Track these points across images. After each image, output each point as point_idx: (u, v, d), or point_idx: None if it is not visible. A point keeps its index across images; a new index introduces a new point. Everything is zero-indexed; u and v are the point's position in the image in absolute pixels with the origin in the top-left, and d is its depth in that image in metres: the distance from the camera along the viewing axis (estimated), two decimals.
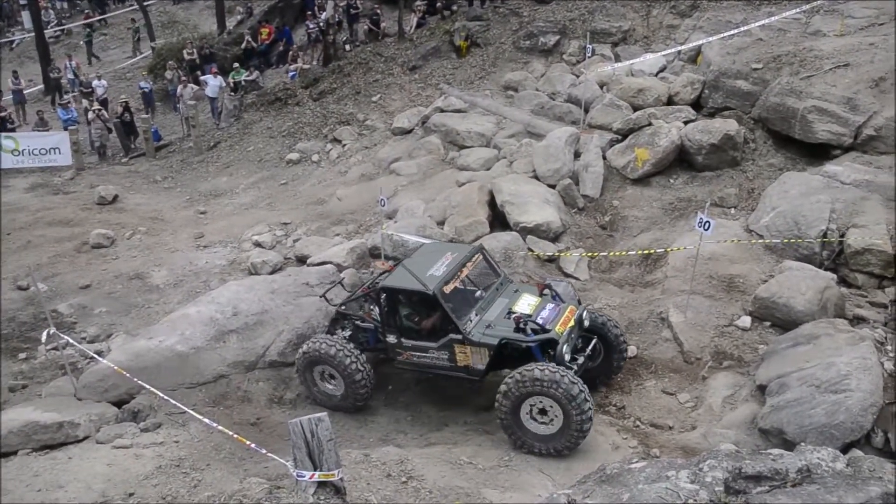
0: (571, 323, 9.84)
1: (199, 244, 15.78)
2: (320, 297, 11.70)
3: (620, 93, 16.89)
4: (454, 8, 23.24)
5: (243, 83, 23.50)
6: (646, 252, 13.04)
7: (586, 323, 10.18)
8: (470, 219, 13.88)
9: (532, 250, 13.20)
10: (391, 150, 18.59)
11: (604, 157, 15.46)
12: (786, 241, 12.29)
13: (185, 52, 25.58)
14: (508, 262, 13.01)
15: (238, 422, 10.12)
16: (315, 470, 5.94)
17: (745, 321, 11.09)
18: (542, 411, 9.10)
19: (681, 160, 15.28)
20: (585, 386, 9.07)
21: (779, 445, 8.34)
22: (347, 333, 10.85)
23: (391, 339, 10.31)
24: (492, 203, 14.40)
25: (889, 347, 10.18)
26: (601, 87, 17.62)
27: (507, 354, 9.72)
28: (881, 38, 15.81)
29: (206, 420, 8.44)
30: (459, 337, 9.71)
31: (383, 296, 10.22)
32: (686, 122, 15.63)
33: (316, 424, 5.98)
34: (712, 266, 12.17)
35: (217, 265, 14.61)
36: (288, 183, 18.88)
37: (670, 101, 16.62)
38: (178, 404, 9.11)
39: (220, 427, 8.16)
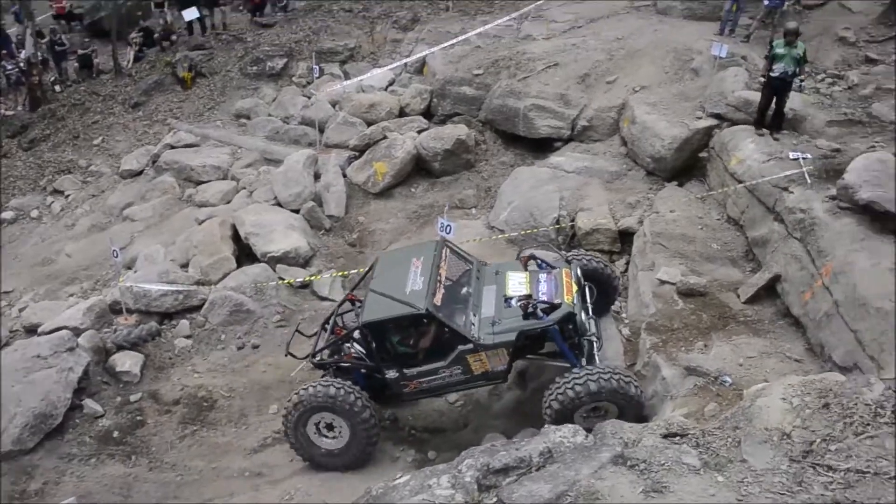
0: (575, 288, 9.20)
1: None
2: (286, 354, 10.25)
3: (353, 110, 17.08)
4: (173, 38, 22.06)
5: None
6: None
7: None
8: (215, 256, 13.33)
9: (283, 279, 12.91)
10: (122, 195, 17.28)
11: (344, 176, 15.56)
12: (524, 232, 13.00)
13: None
14: (261, 295, 12.65)
15: None
16: None
17: None
18: (596, 409, 8.50)
19: (419, 168, 15.74)
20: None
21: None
22: None
23: (391, 374, 9.11)
24: (236, 237, 13.92)
25: (624, 315, 11.08)
26: (334, 106, 17.72)
27: (522, 345, 8.95)
28: (580, 39, 17.40)
29: None
30: (470, 346, 8.74)
31: (367, 333, 9.01)
32: (419, 132, 16.13)
33: None
34: None
35: None
36: (4, 246, 16.87)
37: (402, 113, 17.06)
38: None
39: None
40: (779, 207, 10.75)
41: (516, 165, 15.28)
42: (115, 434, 10.85)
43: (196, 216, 15.13)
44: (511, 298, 9.09)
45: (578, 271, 9.64)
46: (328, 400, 8.86)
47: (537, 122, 15.48)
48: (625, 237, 12.67)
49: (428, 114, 17.10)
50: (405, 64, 19.06)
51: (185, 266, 13.53)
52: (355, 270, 13.05)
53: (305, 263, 13.50)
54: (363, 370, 9.43)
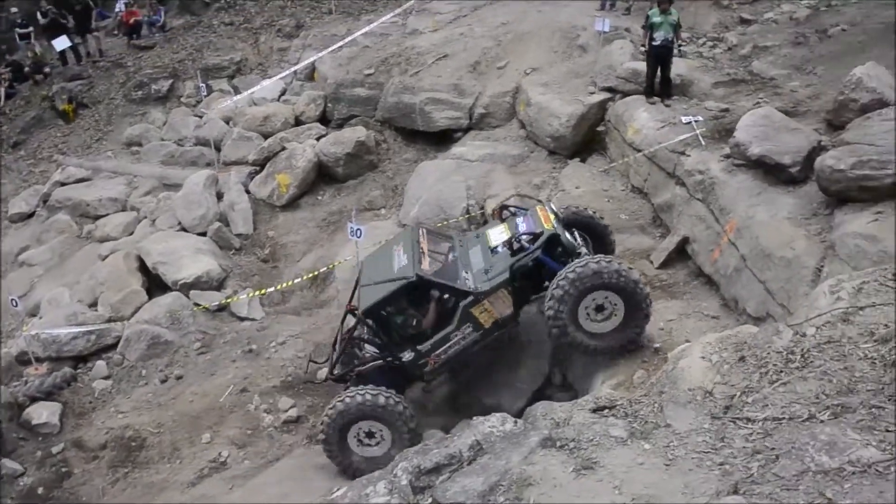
0: (552, 216, 9.10)
1: None
2: (305, 381, 10.23)
3: (247, 124, 16.74)
4: (46, 70, 20.95)
5: None
6: (312, 274, 13.00)
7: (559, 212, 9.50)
8: (124, 291, 12.86)
9: (199, 305, 12.54)
10: (14, 240, 16.46)
11: (247, 192, 15.27)
12: (436, 226, 12.95)
13: None
14: (178, 324, 12.27)
15: None
16: None
17: None
18: (600, 308, 8.19)
19: (323, 175, 15.56)
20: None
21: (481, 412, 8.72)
22: None
23: (407, 356, 8.99)
24: (143, 268, 13.44)
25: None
26: (227, 123, 17.31)
27: (522, 286, 8.82)
28: (467, 27, 17.48)
29: None
30: (471, 298, 8.64)
31: (371, 322, 8.88)
32: (318, 139, 15.93)
33: None
34: None
35: None
36: None
37: (298, 122, 16.82)
38: None
39: None
40: (678, 171, 11.06)
41: (420, 161, 15.25)
42: (40, 490, 10.36)
43: (99, 252, 14.55)
44: (496, 247, 9.20)
45: (552, 205, 9.60)
46: (374, 407, 8.57)
47: (435, 115, 15.50)
48: None
49: (324, 119, 16.89)
50: (295, 72, 18.79)
51: (93, 305, 12.99)
52: (272, 287, 12.84)
53: (219, 286, 13.19)
54: (381, 367, 9.26)
